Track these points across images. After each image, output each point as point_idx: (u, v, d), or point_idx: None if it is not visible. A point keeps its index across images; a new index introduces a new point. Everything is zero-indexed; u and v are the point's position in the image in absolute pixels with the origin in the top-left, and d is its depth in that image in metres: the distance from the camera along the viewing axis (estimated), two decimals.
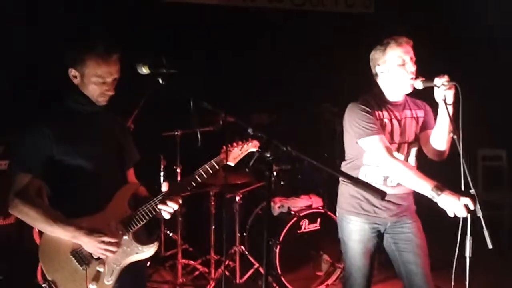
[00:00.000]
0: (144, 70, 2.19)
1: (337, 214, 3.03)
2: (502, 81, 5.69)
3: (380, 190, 2.02)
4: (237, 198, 4.37)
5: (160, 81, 2.16)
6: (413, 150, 2.90)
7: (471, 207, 2.35)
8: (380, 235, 2.91)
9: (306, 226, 4.32)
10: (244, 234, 4.59)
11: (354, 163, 2.89)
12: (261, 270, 4.20)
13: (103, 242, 2.28)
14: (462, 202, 2.38)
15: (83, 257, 2.31)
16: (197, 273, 4.50)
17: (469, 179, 2.29)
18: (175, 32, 4.97)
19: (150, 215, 2.42)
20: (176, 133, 4.32)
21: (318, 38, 5.54)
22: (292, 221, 4.23)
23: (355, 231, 2.87)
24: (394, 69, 2.76)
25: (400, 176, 2.68)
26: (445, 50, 5.50)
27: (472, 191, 2.32)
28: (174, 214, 2.50)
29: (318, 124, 4.90)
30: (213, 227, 4.42)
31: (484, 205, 5.42)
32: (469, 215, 2.34)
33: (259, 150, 1.90)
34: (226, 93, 4.41)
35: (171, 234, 4.87)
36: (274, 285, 4.17)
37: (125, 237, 2.38)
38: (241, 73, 5.19)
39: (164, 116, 4.52)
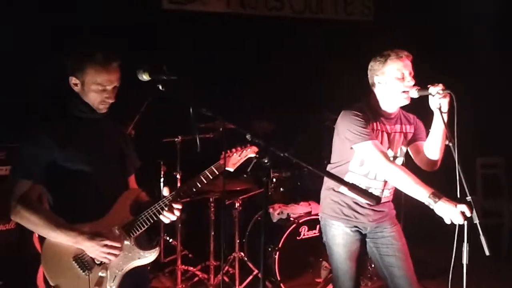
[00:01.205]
0: (145, 77, 2.19)
1: (320, 219, 3.08)
2: (502, 89, 5.70)
3: (375, 196, 2.04)
4: (237, 205, 4.38)
5: (160, 87, 2.17)
6: (398, 163, 2.90)
7: (468, 214, 2.35)
8: (362, 239, 2.95)
9: (305, 233, 4.34)
10: (244, 240, 4.61)
11: (340, 168, 2.91)
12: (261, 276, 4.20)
13: (105, 245, 2.29)
14: (458, 209, 2.39)
15: (85, 263, 2.32)
16: (196, 279, 4.50)
17: (465, 186, 2.30)
18: (176, 38, 5.00)
19: (152, 221, 2.44)
20: (176, 139, 4.35)
21: (318, 45, 5.58)
22: (291, 227, 4.26)
23: (338, 235, 2.91)
24: (392, 81, 2.77)
25: (398, 181, 2.66)
26: (443, 58, 5.52)
27: (469, 198, 2.32)
28: (173, 220, 2.52)
29: (319, 131, 4.91)
30: (213, 233, 4.42)
31: (484, 213, 5.39)
32: (465, 222, 2.34)
33: (257, 156, 1.92)
34: (226, 100, 4.42)
35: (170, 240, 4.88)
36: None
37: (127, 243, 2.40)
38: (242, 80, 5.22)
39: (165, 122, 4.54)
